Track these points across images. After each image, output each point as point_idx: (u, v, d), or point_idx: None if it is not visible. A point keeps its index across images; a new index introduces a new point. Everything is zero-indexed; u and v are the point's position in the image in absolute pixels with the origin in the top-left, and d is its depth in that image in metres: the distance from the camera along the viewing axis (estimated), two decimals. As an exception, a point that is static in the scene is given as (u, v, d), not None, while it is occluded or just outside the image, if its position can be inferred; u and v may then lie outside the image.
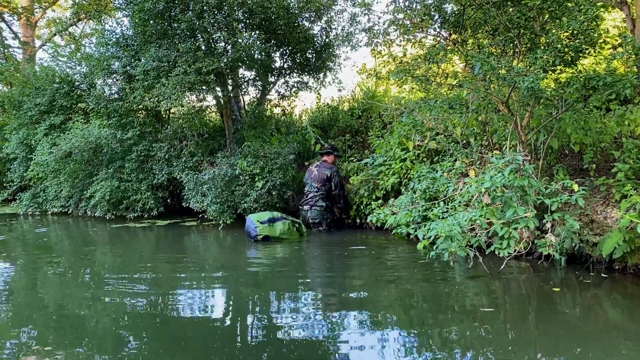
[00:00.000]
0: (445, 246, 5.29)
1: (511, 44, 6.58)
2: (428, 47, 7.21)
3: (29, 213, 13.92)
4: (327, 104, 14.01)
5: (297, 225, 9.26)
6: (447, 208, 6.30)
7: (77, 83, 14.42)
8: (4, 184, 15.64)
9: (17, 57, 21.78)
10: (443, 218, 6.65)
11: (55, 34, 23.03)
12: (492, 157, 6.29)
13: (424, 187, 7.45)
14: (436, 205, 6.86)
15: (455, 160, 8.26)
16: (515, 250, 5.64)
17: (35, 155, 13.46)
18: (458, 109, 9.15)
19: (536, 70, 5.33)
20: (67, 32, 22.21)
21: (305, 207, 9.96)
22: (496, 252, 5.83)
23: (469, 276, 5.97)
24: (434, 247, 6.11)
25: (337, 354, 3.98)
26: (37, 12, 22.22)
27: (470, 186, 5.64)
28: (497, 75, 5.54)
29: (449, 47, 6.79)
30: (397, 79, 6.29)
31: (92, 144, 12.20)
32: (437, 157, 8.66)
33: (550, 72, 5.89)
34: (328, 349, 4.08)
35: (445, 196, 7.08)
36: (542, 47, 5.80)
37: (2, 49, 21.78)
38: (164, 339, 4.37)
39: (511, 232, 5.26)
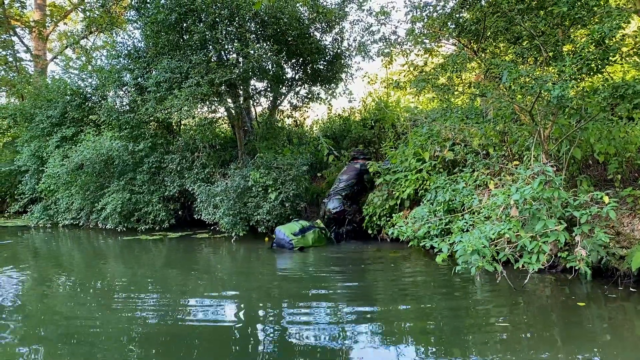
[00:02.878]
0: (471, 260, 5.10)
1: (534, 52, 6.43)
2: (447, 56, 7.08)
3: (40, 225, 13.86)
4: (339, 115, 13.92)
5: (323, 231, 9.60)
6: (472, 221, 6.11)
7: (88, 95, 14.41)
8: (16, 197, 15.64)
9: (29, 70, 21.92)
10: (466, 231, 6.47)
11: (66, 47, 23.19)
12: (515, 168, 6.12)
13: (446, 199, 7.27)
14: (459, 218, 6.66)
15: (473, 171, 8.09)
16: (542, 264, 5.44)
17: (46, 168, 13.42)
18: (474, 119, 9.01)
19: (565, 78, 5.17)
20: (78, 44, 22.33)
21: (325, 200, 10.04)
22: (521, 267, 5.64)
23: (490, 290, 5.78)
24: (458, 260, 5.94)
25: None
26: (48, 26, 22.39)
27: (497, 198, 5.46)
28: (524, 84, 5.38)
29: (469, 56, 6.65)
30: (419, 88, 6.16)
31: (104, 156, 12.14)
32: (456, 169, 8.47)
33: (577, 80, 5.73)
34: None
35: (467, 208, 6.90)
36: (570, 55, 5.65)
37: (14, 62, 21.92)
38: (175, 352, 4.24)
39: (541, 245, 5.06)
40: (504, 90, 6.36)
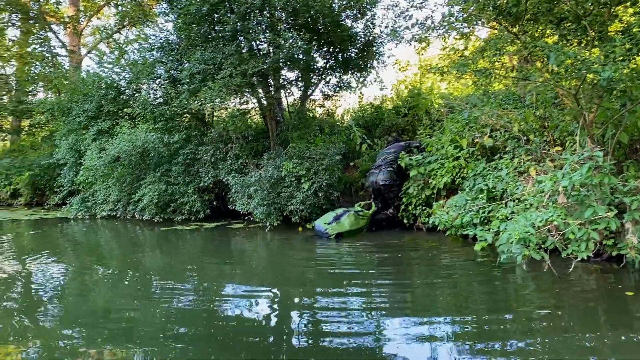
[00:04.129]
0: (515, 248, 4.97)
1: (579, 34, 6.18)
2: (487, 39, 6.88)
3: (79, 217, 14.20)
4: (370, 103, 13.78)
5: (360, 213, 9.35)
6: (516, 208, 5.94)
7: (122, 89, 14.64)
8: (55, 189, 16.06)
9: (64, 65, 22.43)
10: (507, 219, 6.32)
11: (100, 42, 23.63)
12: (557, 154, 5.92)
13: (490, 186, 7.09)
14: (502, 206, 6.48)
15: (513, 157, 7.88)
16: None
17: (84, 161, 13.72)
18: (512, 104, 8.76)
19: (616, 59, 4.95)
20: (111, 39, 22.71)
21: (374, 171, 9.75)
22: (566, 255, 5.47)
23: (531, 279, 5.64)
24: (499, 249, 5.81)
25: (384, 355, 3.82)
26: (82, 21, 22.83)
27: (544, 184, 5.29)
28: (570, 67, 5.17)
29: (510, 39, 6.44)
30: (460, 72, 6.00)
31: (139, 148, 12.33)
32: (495, 155, 8.25)
33: (627, 62, 5.48)
34: (377, 352, 3.89)
35: (510, 196, 6.72)
36: (619, 35, 5.40)
37: (50, 57, 22.46)
38: (211, 339, 4.28)
39: (590, 233, 4.89)
40: (548, 74, 6.14)
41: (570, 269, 5.50)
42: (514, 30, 6.88)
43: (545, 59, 6.68)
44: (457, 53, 7.07)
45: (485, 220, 6.94)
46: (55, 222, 13.83)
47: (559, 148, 7.34)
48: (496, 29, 7.33)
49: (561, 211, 5.08)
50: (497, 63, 6.70)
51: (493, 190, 7.13)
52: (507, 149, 8.06)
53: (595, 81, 6.05)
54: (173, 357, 3.92)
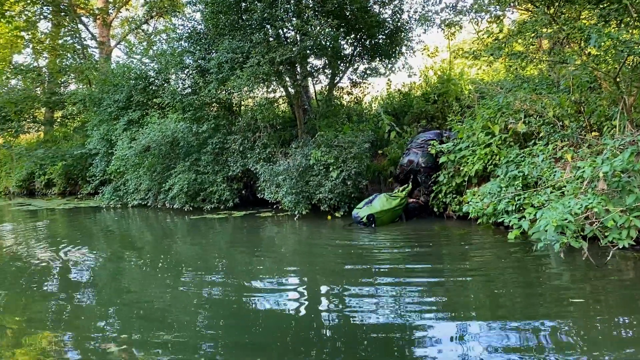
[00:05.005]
0: (552, 236, 4.84)
1: (620, 14, 5.93)
2: (521, 22, 6.68)
3: (111, 206, 14.50)
4: (399, 90, 13.61)
5: (392, 196, 9.27)
6: (554, 195, 5.78)
7: (151, 79, 14.81)
8: (87, 179, 16.42)
9: (95, 57, 22.82)
10: (542, 206, 6.17)
11: (129, 33, 23.92)
12: (594, 139, 5.73)
13: (525, 173, 6.92)
14: (541, 192, 6.31)
15: (547, 143, 7.68)
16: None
17: (115, 150, 13.96)
18: (546, 89, 8.52)
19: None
20: (140, 29, 22.97)
21: (416, 150, 9.56)
22: (604, 243, 5.31)
23: (566, 267, 5.50)
24: (532, 237, 5.68)
25: (415, 344, 3.78)
26: (111, 12, 23.16)
27: (583, 171, 5.14)
28: (610, 48, 4.98)
29: (546, 21, 6.24)
30: (496, 57, 5.84)
31: (169, 138, 12.47)
32: (530, 141, 8.05)
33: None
34: (406, 343, 3.84)
35: (545, 182, 6.55)
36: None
37: (81, 49, 22.88)
38: (241, 328, 4.31)
39: (632, 220, 4.73)
40: (585, 57, 5.94)
41: (608, 257, 5.34)
42: (550, 12, 6.67)
43: (583, 42, 6.47)
44: (491, 36, 6.88)
45: (520, 208, 6.79)
46: (88, 210, 14.16)
47: (596, 133, 7.12)
48: (530, 11, 7.11)
49: (601, 198, 4.92)
50: (532, 46, 6.50)
51: (528, 177, 6.96)
52: (541, 135, 7.85)
53: (636, 63, 5.84)
54: (204, 344, 3.95)
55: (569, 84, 7.55)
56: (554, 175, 6.19)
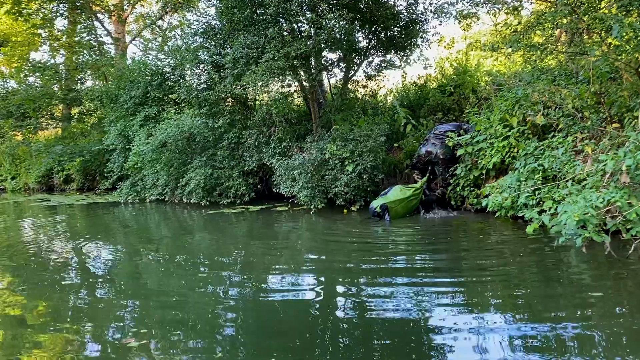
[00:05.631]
0: (572, 230, 4.78)
1: (638, 4, 5.80)
2: (540, 13, 6.56)
3: (129, 201, 14.65)
4: (414, 83, 13.51)
5: (407, 187, 9.28)
6: (575, 189, 5.70)
7: (167, 75, 14.89)
8: (105, 174, 16.61)
9: (111, 53, 23.02)
10: (561, 200, 6.09)
11: (143, 29, 24.06)
12: (618, 131, 5.63)
13: (545, 166, 6.83)
14: (563, 185, 6.22)
15: (566, 135, 7.57)
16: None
17: (132, 146, 14.09)
18: (565, 81, 8.39)
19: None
20: (155, 25, 23.07)
21: (434, 141, 9.47)
22: (627, 237, 5.23)
23: (586, 261, 5.44)
24: (551, 230, 5.62)
25: (431, 338, 3.76)
26: (126, 8, 23.31)
27: (605, 164, 5.06)
28: (634, 39, 4.87)
29: (566, 12, 6.13)
30: (514, 49, 5.76)
31: (185, 133, 12.56)
32: (549, 134, 7.93)
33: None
34: (423, 337, 3.83)
35: (564, 175, 6.46)
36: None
37: (97, 46, 23.08)
38: (259, 321, 4.34)
39: (655, 214, 4.65)
40: (606, 47, 5.82)
41: (630, 251, 5.27)
42: (570, 1, 6.54)
43: (603, 32, 6.35)
44: (510, 28, 6.78)
45: (539, 202, 6.71)
46: (106, 206, 14.32)
47: (617, 125, 7.00)
48: (549, 1, 6.99)
49: (624, 191, 4.84)
50: (551, 38, 6.39)
51: (548, 170, 6.87)
52: (560, 127, 7.74)
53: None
54: (222, 338, 3.99)
55: (588, 75, 7.42)
56: (575, 168, 6.10)
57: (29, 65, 23.55)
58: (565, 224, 5.21)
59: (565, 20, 6.24)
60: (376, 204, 8.97)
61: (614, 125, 7.00)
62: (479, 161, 8.68)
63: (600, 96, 7.44)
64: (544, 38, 6.04)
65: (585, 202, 4.87)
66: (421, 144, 9.95)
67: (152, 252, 7.70)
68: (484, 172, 8.67)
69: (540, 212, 6.35)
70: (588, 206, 4.79)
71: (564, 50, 6.36)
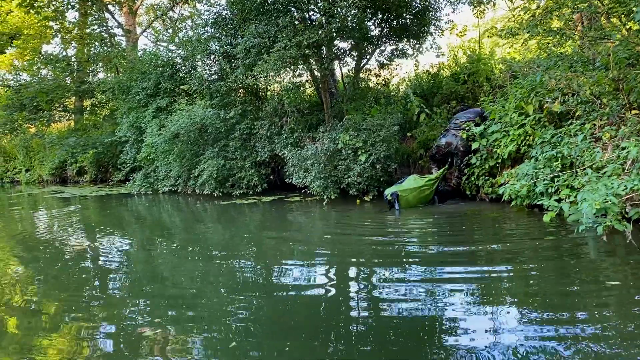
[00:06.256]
0: (592, 218, 4.69)
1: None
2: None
3: (142, 192, 14.72)
4: (427, 71, 13.37)
5: (422, 177, 9.21)
6: (594, 177, 5.59)
7: (178, 66, 14.87)
8: (118, 166, 16.70)
9: (122, 45, 23.05)
10: (579, 188, 5.99)
11: (154, 20, 24.03)
12: (638, 117, 5.50)
13: (565, 154, 6.71)
14: (579, 174, 6.12)
15: (584, 123, 7.43)
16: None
17: (145, 138, 14.13)
18: (582, 67, 8.23)
19: None
20: (165, 16, 23.04)
21: (454, 132, 9.30)
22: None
23: (605, 250, 5.34)
24: (568, 219, 5.53)
25: (445, 329, 3.72)
26: (136, 0, 23.29)
27: (628, 151, 4.95)
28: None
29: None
30: (532, 34, 5.64)
31: (197, 125, 12.54)
32: (567, 121, 7.79)
33: None
34: (436, 323, 3.80)
35: (583, 163, 6.35)
36: None
37: (108, 38, 23.13)
38: (271, 312, 4.33)
39: (679, 202, 4.54)
40: (626, 31, 5.68)
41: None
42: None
43: (624, 16, 6.20)
44: (528, 13, 6.64)
45: (555, 190, 6.61)
46: (119, 197, 14.43)
47: (636, 111, 6.86)
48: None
49: (646, 179, 4.74)
50: (570, 22, 6.25)
51: (568, 157, 6.75)
52: (577, 114, 7.60)
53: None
54: (233, 328, 3.97)
55: (605, 61, 7.26)
56: (595, 155, 5.97)
57: (41, 58, 23.66)
58: (584, 213, 5.12)
59: (585, 4, 6.08)
60: (389, 191, 8.89)
61: (634, 111, 6.85)
62: (495, 150, 8.57)
63: (618, 82, 7.29)
64: (562, 22, 5.89)
65: (607, 190, 4.77)
66: (441, 134, 9.76)
67: (165, 242, 7.73)
68: (499, 161, 8.55)
69: (558, 201, 6.25)
70: (609, 194, 4.69)
71: (583, 35, 6.20)
